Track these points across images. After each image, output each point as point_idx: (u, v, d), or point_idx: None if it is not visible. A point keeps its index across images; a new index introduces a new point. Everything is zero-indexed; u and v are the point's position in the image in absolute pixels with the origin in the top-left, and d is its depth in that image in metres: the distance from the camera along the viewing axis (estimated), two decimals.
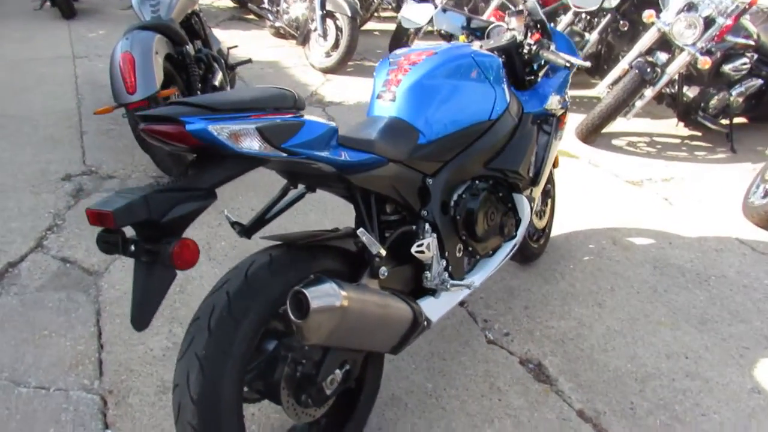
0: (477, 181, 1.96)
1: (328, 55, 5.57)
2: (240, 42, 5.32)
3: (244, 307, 1.37)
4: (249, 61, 4.36)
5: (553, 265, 2.74)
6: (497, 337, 2.27)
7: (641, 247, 2.94)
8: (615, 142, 4.38)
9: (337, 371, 1.53)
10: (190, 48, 3.53)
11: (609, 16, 4.92)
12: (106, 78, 4.90)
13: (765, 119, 4.72)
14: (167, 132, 1.24)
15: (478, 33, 2.39)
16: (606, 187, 3.62)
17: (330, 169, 1.50)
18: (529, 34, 2.19)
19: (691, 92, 4.27)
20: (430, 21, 2.47)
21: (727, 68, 4.16)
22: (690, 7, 3.91)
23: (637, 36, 4.73)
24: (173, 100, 1.32)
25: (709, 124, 4.26)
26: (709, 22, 3.85)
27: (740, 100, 4.29)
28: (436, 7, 2.51)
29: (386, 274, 1.57)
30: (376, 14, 7.57)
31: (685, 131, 4.63)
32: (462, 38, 2.35)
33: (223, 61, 4.01)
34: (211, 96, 1.35)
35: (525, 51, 2.19)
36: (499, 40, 2.21)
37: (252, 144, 1.28)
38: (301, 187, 1.75)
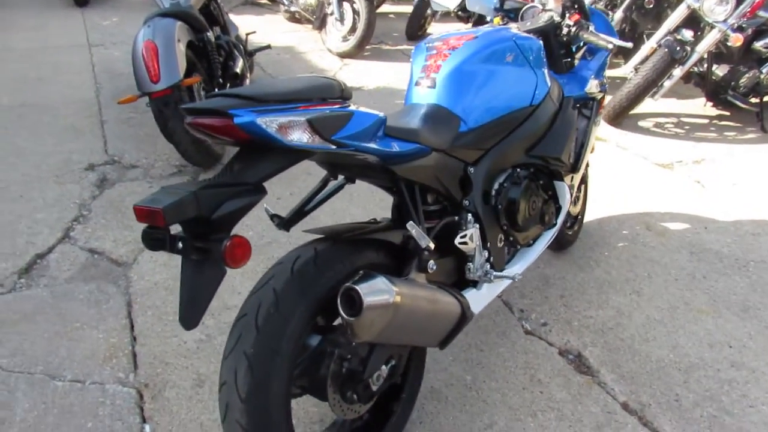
0: (518, 169, 1.91)
1: (345, 39, 5.49)
2: (254, 28, 5.25)
3: (292, 304, 1.33)
4: (268, 47, 4.30)
5: (587, 253, 2.68)
6: (535, 327, 2.22)
7: (676, 232, 2.87)
8: (642, 123, 4.29)
9: (383, 367, 1.50)
10: (210, 35, 3.48)
11: None
12: (123, 66, 4.89)
13: None
14: (215, 125, 1.19)
15: (512, 14, 2.32)
16: (636, 170, 3.54)
17: (375, 160, 1.45)
18: (567, 14, 2.12)
19: (720, 71, 4.16)
20: (461, 3, 2.39)
21: (758, 45, 4.03)
22: None
23: (662, 14, 4.61)
24: (219, 92, 1.27)
25: (739, 103, 4.15)
26: None
27: None
28: None
29: (434, 267, 1.53)
30: None
31: (713, 111, 4.52)
32: (497, 20, 2.28)
33: (242, 47, 3.95)
34: (257, 86, 1.30)
35: (564, 33, 2.11)
36: (536, 21, 2.13)
37: (301, 136, 1.24)
38: (340, 177, 1.71)
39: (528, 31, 2.09)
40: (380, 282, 1.29)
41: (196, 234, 1.22)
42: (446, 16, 6.10)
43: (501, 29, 1.91)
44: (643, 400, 1.92)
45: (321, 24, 5.67)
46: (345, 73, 5.17)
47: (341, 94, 1.37)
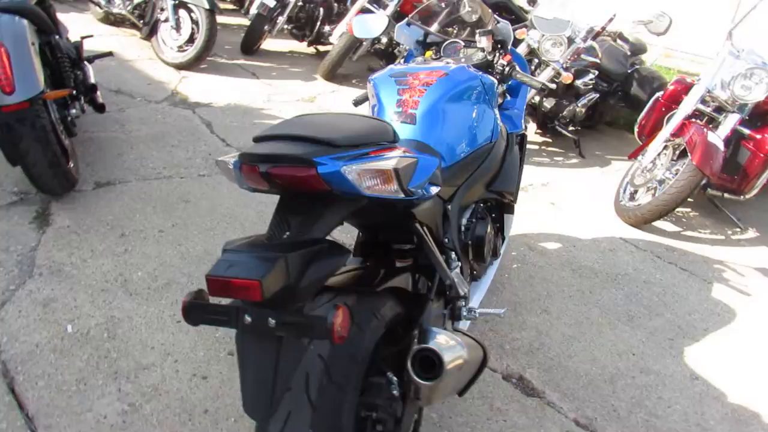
0: (480, 204, 1.94)
1: (181, 49, 5.05)
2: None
3: (345, 371, 1.18)
4: (110, 54, 3.77)
5: None
6: None
7: (554, 251, 3.18)
8: None
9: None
10: (59, 38, 2.94)
11: None
12: None
13: (593, 128, 5.43)
14: (297, 176, 1.01)
15: (434, 48, 2.35)
16: None
17: (401, 205, 1.36)
18: (498, 54, 2.22)
19: (548, 103, 4.73)
20: (384, 32, 2.37)
21: (578, 83, 4.67)
22: None
23: None
24: (273, 132, 1.08)
25: (564, 132, 4.75)
26: (569, 42, 4.29)
27: (583, 111, 4.86)
28: (388, 18, 2.41)
29: (467, 314, 1.48)
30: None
31: (539, 138, 5.11)
32: (429, 53, 2.29)
33: (76, 52, 3.41)
34: (317, 125, 1.14)
35: (498, 71, 2.21)
36: (470, 59, 2.19)
37: (383, 186, 1.10)
38: None
39: None
40: (451, 339, 1.21)
41: (265, 305, 1.01)
42: (279, 33, 5.99)
43: (463, 67, 1.93)
44: (588, 414, 2.08)
45: (151, 31, 5.15)
46: (187, 86, 4.75)
47: (394, 137, 1.26)
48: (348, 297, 1.30)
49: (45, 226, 2.64)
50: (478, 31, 2.21)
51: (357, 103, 2.27)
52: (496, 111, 2.01)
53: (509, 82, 2.26)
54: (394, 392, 1.31)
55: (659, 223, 3.63)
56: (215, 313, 1.03)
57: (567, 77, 4.20)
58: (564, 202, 3.84)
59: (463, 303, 1.49)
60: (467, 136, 1.81)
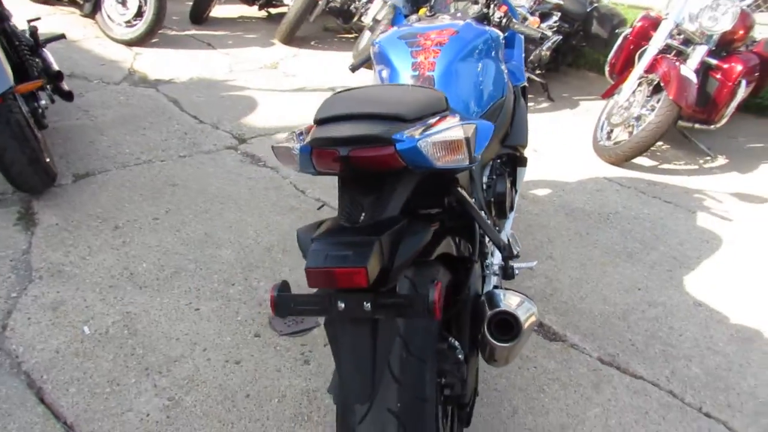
0: (498, 161, 1.95)
1: (130, 24, 4.79)
2: None
3: (422, 343, 1.17)
4: (63, 36, 3.54)
5: None
6: None
7: (545, 197, 3.24)
8: None
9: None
10: (15, 24, 2.74)
11: None
12: None
13: (557, 71, 5.47)
14: (379, 156, 0.99)
15: (428, 5, 2.30)
16: None
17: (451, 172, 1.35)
18: (493, 5, 2.18)
19: None
20: None
21: (543, 26, 4.67)
22: None
23: None
24: (343, 113, 1.04)
25: (532, 76, 4.78)
26: None
27: (548, 54, 4.89)
28: None
29: (517, 272, 1.49)
30: None
31: None
32: (423, 11, 2.24)
33: (33, 39, 3.20)
34: (377, 100, 1.11)
35: (495, 23, 2.18)
36: (465, 12, 2.16)
37: (455, 157, 1.09)
38: None
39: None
40: (520, 298, 1.23)
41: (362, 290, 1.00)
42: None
43: (468, 24, 1.90)
44: (610, 351, 2.16)
45: (94, 7, 4.85)
46: (143, 63, 4.53)
47: (447, 104, 1.24)
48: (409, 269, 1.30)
49: (32, 226, 2.51)
50: None
51: (355, 68, 2.22)
52: (504, 65, 2.00)
53: (506, 34, 2.23)
54: (459, 356, 1.33)
55: (637, 159, 3.73)
56: (305, 303, 1.01)
57: (534, 21, 4.20)
58: (544, 147, 3.89)
59: (512, 261, 1.51)
60: (483, 94, 1.79)
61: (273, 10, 6.24)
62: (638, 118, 3.58)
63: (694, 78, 3.38)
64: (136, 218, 2.64)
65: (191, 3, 5.66)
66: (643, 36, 3.89)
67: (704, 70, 3.66)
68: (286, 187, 3.03)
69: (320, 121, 1.11)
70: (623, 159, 3.58)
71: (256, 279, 2.36)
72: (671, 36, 3.64)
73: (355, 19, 5.52)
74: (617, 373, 2.07)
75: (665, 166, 3.80)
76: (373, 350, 1.02)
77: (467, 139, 1.08)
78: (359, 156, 1.00)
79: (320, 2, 5.27)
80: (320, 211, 2.81)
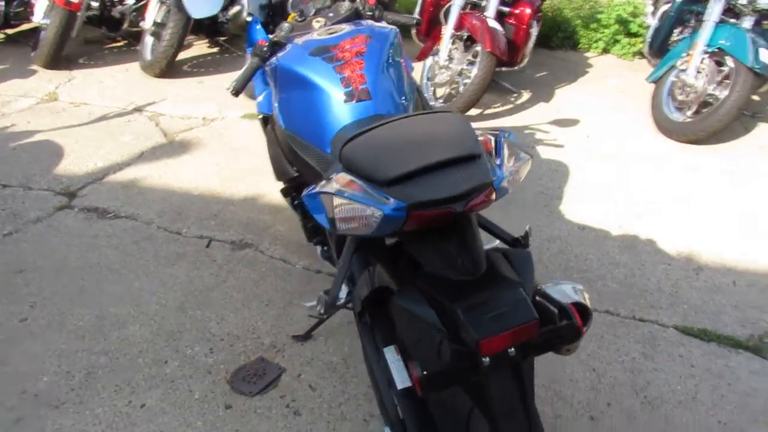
0: None
1: None
2: None
3: None
4: None
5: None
6: None
7: None
8: None
9: None
10: None
11: None
12: None
13: None
14: (488, 201, 0.95)
15: (298, 10, 2.13)
16: None
17: None
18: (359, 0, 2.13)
19: None
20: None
21: None
22: None
23: None
24: (424, 164, 0.97)
25: None
26: None
27: None
28: None
29: None
30: None
31: None
32: (292, 16, 2.08)
33: None
34: (443, 141, 1.05)
35: (368, 16, 2.12)
36: (337, 12, 2.06)
37: (523, 175, 1.09)
38: None
39: (338, 22, 2.04)
40: (571, 285, 1.27)
41: None
42: None
43: (370, 26, 1.83)
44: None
45: None
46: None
47: (467, 122, 1.21)
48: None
49: None
50: None
51: (237, 91, 1.99)
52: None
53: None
54: None
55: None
56: (454, 371, 0.95)
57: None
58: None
59: None
60: (406, 91, 1.78)
61: (10, 31, 5.31)
62: (460, 74, 3.83)
63: (499, 27, 3.71)
64: None
65: None
66: None
67: (499, 18, 4.01)
68: (157, 234, 2.69)
69: (402, 178, 1.02)
70: (459, 113, 3.81)
71: (188, 346, 2.10)
72: None
73: (125, 25, 4.93)
74: (651, 326, 2.21)
75: (487, 111, 4.15)
76: (522, 391, 1.00)
77: (531, 160, 1.09)
78: (472, 205, 0.95)
79: (79, 13, 4.60)
80: (210, 248, 2.58)
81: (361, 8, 2.11)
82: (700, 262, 2.53)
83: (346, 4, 2.09)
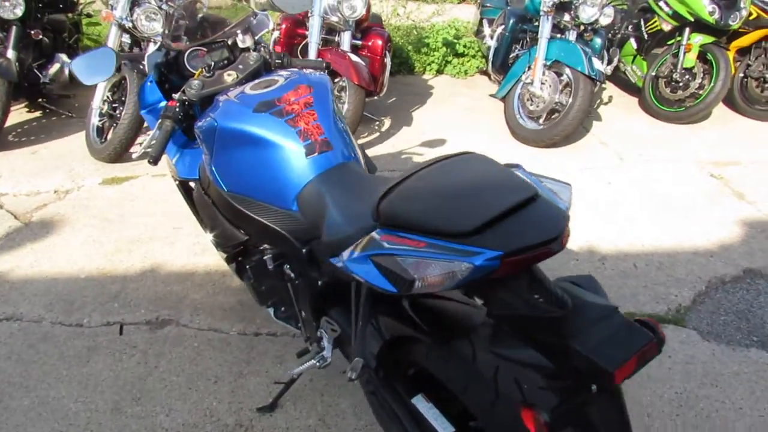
0: None
1: None
2: None
3: None
4: None
5: None
6: None
7: None
8: None
9: None
10: None
11: None
12: None
13: None
14: (569, 236, 0.98)
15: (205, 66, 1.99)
16: None
17: None
18: (264, 49, 2.07)
19: None
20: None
21: None
22: None
23: None
24: (502, 209, 1.00)
25: None
26: None
27: None
28: (114, 51, 1.88)
29: None
30: None
31: None
32: (199, 72, 1.93)
33: None
34: (508, 184, 1.09)
35: (276, 65, 2.06)
36: (246, 65, 1.97)
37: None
38: None
39: (249, 74, 1.96)
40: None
41: None
42: None
43: (303, 75, 1.78)
44: None
45: None
46: None
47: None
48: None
49: None
50: (238, 30, 2.01)
51: (156, 159, 1.82)
52: None
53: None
54: None
55: None
56: (572, 410, 0.97)
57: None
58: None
59: None
60: (349, 132, 1.78)
61: None
62: None
63: (361, 60, 3.82)
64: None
65: None
66: (290, 34, 4.13)
67: (353, 51, 4.13)
68: (54, 331, 2.34)
69: (477, 230, 1.01)
70: None
71: None
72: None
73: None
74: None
75: (360, 141, 4.24)
76: (622, 412, 1.06)
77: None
78: (564, 243, 0.99)
79: None
80: (123, 334, 2.32)
81: (268, 57, 2.06)
82: (602, 253, 2.83)
83: (254, 55, 2.01)
